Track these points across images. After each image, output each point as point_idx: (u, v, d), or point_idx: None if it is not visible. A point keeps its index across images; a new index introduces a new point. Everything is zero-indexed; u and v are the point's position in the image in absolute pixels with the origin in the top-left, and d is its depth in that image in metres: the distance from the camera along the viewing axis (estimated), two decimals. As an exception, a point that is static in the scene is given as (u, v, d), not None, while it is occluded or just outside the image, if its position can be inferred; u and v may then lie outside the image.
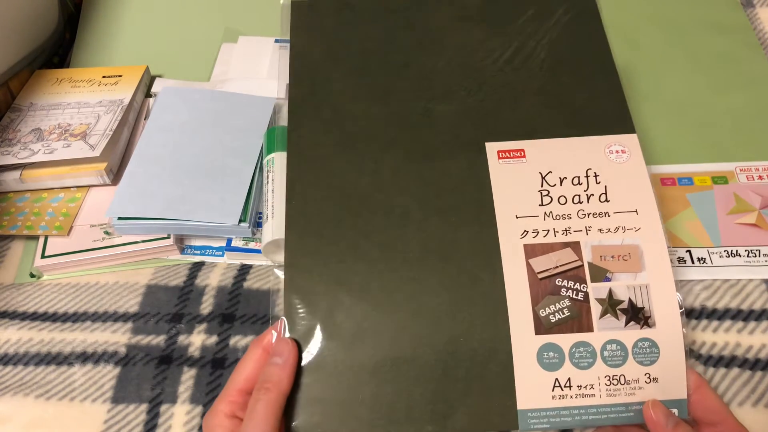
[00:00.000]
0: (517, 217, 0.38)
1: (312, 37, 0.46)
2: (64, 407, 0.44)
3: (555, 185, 0.39)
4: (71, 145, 0.54)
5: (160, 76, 0.62)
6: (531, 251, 0.37)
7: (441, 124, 0.41)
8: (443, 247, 0.37)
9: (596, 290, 0.36)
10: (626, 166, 0.39)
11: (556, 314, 0.35)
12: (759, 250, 0.48)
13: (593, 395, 0.34)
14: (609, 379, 0.35)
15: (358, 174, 0.40)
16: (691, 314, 0.45)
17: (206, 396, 0.44)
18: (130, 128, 0.57)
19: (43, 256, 0.50)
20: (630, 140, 0.40)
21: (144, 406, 0.44)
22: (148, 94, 0.61)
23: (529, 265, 0.36)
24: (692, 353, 0.43)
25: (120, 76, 0.60)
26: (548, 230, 0.37)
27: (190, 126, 0.55)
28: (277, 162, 0.51)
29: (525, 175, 0.39)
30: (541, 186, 0.39)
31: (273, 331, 0.37)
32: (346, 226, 0.38)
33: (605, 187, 0.39)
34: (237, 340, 0.46)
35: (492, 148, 0.40)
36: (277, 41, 0.65)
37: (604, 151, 0.40)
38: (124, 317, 0.48)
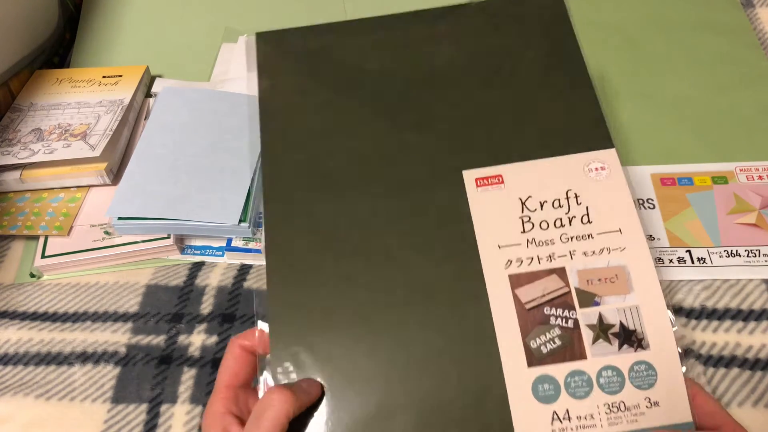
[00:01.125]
0: (499, 247, 0.36)
1: (280, 72, 0.44)
2: (64, 407, 0.44)
3: (536, 210, 0.37)
4: (71, 145, 0.54)
5: (160, 76, 0.63)
6: (516, 281, 0.35)
7: (417, 154, 0.40)
8: (427, 285, 0.36)
9: (586, 316, 0.35)
10: (607, 183, 0.38)
11: (548, 344, 0.34)
12: (759, 250, 0.48)
13: (594, 426, 0.33)
14: (608, 407, 0.33)
15: (335, 215, 0.38)
16: (691, 314, 0.45)
17: (206, 396, 0.44)
18: (130, 128, 0.57)
19: (43, 256, 0.50)
20: (609, 156, 0.39)
21: (144, 406, 0.44)
22: (148, 94, 0.61)
23: (515, 296, 0.35)
24: (692, 353, 0.43)
25: (120, 76, 0.60)
26: (532, 258, 0.36)
27: (190, 126, 0.55)
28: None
29: (504, 202, 0.38)
30: (522, 212, 0.37)
31: (258, 330, 0.37)
32: (328, 273, 0.37)
33: (587, 207, 0.37)
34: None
35: (469, 176, 0.38)
36: (277, 41, 0.65)
37: (583, 169, 0.38)
38: (124, 317, 0.48)
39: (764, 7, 0.65)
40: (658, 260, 0.48)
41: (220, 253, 0.51)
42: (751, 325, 0.45)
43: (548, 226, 0.37)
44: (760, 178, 0.52)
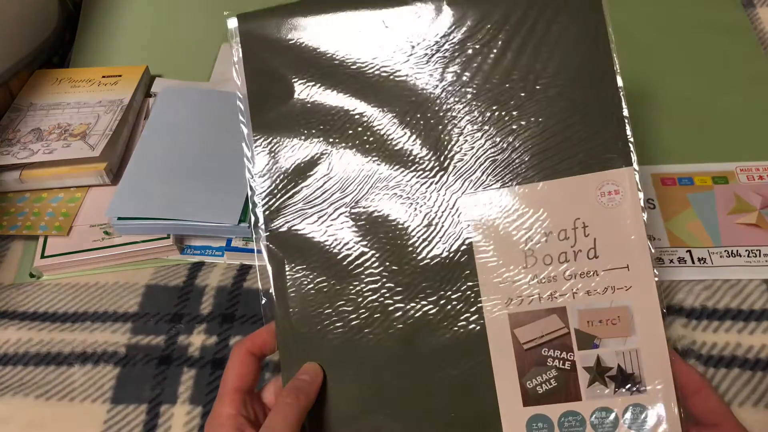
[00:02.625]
0: (500, 285, 0.34)
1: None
2: (64, 407, 0.44)
3: (539, 243, 0.34)
4: (71, 145, 0.54)
5: (160, 76, 0.62)
6: (515, 321, 0.34)
7: (415, 182, 0.37)
8: (426, 324, 0.35)
9: (584, 358, 0.34)
10: (619, 210, 0.34)
11: (543, 385, 0.34)
12: (759, 250, 0.48)
13: None
14: None
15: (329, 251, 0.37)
16: (691, 314, 0.45)
17: (206, 396, 0.44)
18: (130, 128, 0.57)
19: (42, 256, 0.50)
20: (625, 177, 0.34)
21: (144, 407, 0.44)
22: (148, 94, 0.61)
23: (514, 336, 0.34)
24: (692, 353, 0.43)
25: (120, 76, 0.60)
26: (533, 297, 0.34)
27: (190, 126, 0.55)
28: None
29: (507, 232, 0.34)
30: (525, 245, 0.34)
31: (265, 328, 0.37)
32: (332, 315, 0.36)
33: (594, 240, 0.34)
34: (237, 340, 0.46)
35: (468, 202, 0.35)
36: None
37: (594, 194, 0.34)
38: (124, 317, 0.48)
39: (764, 7, 0.65)
40: (659, 260, 0.48)
41: (220, 253, 0.51)
42: (751, 325, 0.45)
43: (552, 261, 0.34)
44: (761, 178, 0.52)
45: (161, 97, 0.58)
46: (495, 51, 0.36)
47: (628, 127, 0.35)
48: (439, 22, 0.37)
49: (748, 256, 0.48)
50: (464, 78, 0.36)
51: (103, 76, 0.60)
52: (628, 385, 0.33)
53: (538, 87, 0.35)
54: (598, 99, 0.35)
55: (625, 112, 0.35)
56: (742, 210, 0.50)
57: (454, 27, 0.36)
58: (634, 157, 0.35)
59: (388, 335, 0.36)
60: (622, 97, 0.35)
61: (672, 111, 0.58)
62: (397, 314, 0.36)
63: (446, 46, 0.36)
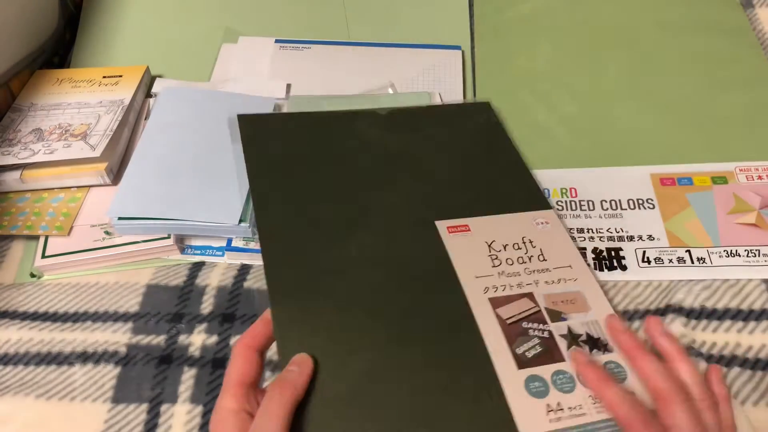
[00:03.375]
0: (476, 277, 0.43)
1: (264, 143, 0.51)
2: (64, 407, 0.44)
3: (500, 250, 0.45)
4: (72, 146, 0.54)
5: (160, 76, 0.63)
6: (496, 303, 0.42)
7: (393, 209, 0.47)
8: (420, 308, 0.41)
9: (557, 328, 0.41)
10: (552, 232, 0.47)
11: (531, 350, 0.40)
12: (758, 250, 0.48)
13: (584, 414, 0.37)
14: (593, 399, 0.38)
15: (328, 251, 0.43)
16: (690, 314, 0.45)
17: (206, 396, 0.44)
18: (131, 128, 0.57)
19: (43, 256, 0.50)
20: (549, 215, 0.48)
21: (144, 406, 0.44)
22: (148, 95, 0.61)
23: (497, 314, 0.41)
24: (693, 351, 0.43)
25: (120, 76, 0.60)
26: (504, 285, 0.43)
27: (190, 126, 0.55)
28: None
29: (474, 244, 0.45)
30: (490, 252, 0.45)
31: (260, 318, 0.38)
32: (330, 300, 0.41)
33: (540, 249, 0.45)
34: (237, 340, 0.46)
35: (442, 225, 0.46)
36: (277, 41, 0.65)
37: (532, 223, 0.47)
38: (124, 317, 0.48)
39: (764, 7, 0.65)
40: (658, 260, 0.48)
41: (221, 253, 0.51)
42: (751, 325, 0.45)
43: (513, 262, 0.44)
44: (760, 178, 0.52)
45: (162, 98, 0.58)
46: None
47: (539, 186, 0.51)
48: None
49: (747, 256, 0.48)
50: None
51: (104, 77, 0.61)
52: (599, 347, 0.40)
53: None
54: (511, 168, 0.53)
55: (536, 180, 0.52)
56: (742, 210, 0.50)
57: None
58: (552, 203, 0.51)
59: (385, 314, 0.41)
60: (531, 174, 0.52)
61: (672, 111, 0.58)
62: (391, 300, 0.41)
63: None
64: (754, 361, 0.43)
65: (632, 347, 0.38)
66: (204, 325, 0.47)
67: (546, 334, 0.40)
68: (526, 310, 0.42)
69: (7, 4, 0.58)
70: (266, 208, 0.45)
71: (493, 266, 0.44)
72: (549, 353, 0.39)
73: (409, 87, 0.62)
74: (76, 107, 0.58)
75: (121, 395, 0.44)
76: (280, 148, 0.50)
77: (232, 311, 0.48)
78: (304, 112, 0.55)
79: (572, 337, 0.40)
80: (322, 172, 0.49)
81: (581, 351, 0.40)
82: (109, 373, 0.45)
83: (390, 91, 0.60)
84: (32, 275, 0.51)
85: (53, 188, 0.54)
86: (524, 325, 0.41)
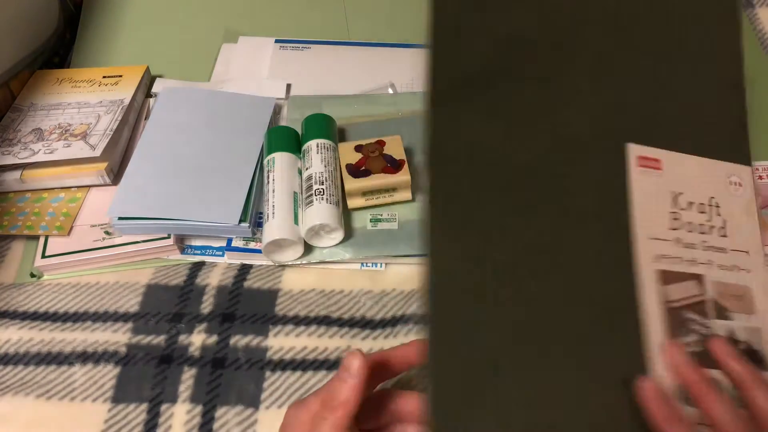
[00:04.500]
0: (650, 239, 0.35)
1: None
2: (64, 407, 0.44)
3: (685, 209, 0.36)
4: (71, 145, 0.54)
5: (160, 76, 0.63)
6: (662, 278, 0.34)
7: (584, 114, 0.37)
8: (576, 264, 0.33)
9: (720, 327, 0.35)
10: (742, 201, 0.38)
11: (688, 347, 0.34)
12: (759, 250, 0.48)
13: None
14: None
15: (513, 150, 0.34)
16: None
17: (206, 395, 0.44)
18: (131, 128, 0.57)
19: (43, 256, 0.50)
20: (746, 173, 0.39)
21: (144, 406, 0.44)
22: (148, 94, 0.61)
23: (663, 293, 0.34)
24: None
25: (120, 76, 0.60)
26: (678, 257, 0.35)
27: (190, 126, 0.55)
28: (278, 162, 0.51)
29: (660, 191, 0.36)
30: (673, 207, 0.36)
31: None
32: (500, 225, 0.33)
33: (725, 221, 0.37)
34: (237, 340, 0.46)
35: (634, 151, 0.36)
36: (277, 41, 0.65)
37: (725, 180, 0.38)
38: (124, 317, 0.48)
39: (764, 7, 0.65)
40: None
41: (221, 253, 0.51)
42: (751, 325, 0.44)
43: (693, 230, 0.36)
44: (760, 178, 0.52)
45: (162, 98, 0.58)
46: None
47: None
48: None
49: (747, 256, 0.47)
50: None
51: (104, 77, 0.61)
52: (756, 361, 0.34)
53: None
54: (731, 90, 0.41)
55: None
56: (742, 210, 0.50)
57: None
58: (750, 159, 0.40)
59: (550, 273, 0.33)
60: (746, 111, 0.41)
61: (672, 111, 0.58)
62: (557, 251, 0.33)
63: None
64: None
65: (746, 377, 0.32)
66: (204, 325, 0.47)
67: (706, 331, 0.34)
68: (693, 296, 0.34)
69: (7, 4, 0.58)
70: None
71: (672, 228, 0.35)
72: (705, 357, 0.33)
73: (409, 87, 0.62)
74: (76, 107, 0.58)
75: (121, 395, 0.44)
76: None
77: (232, 311, 0.48)
78: None
79: (732, 344, 0.33)
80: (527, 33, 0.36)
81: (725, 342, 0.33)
82: (109, 373, 0.45)
83: (390, 91, 0.60)
84: (32, 275, 0.51)
85: (53, 188, 0.54)
86: (685, 314, 0.34)
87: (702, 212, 0.37)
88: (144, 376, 0.45)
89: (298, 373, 0.44)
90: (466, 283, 0.31)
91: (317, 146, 0.51)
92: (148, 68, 0.62)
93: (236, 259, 0.51)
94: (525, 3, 0.37)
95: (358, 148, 0.51)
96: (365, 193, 0.50)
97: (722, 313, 0.35)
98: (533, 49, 0.36)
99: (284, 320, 0.47)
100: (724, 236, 0.37)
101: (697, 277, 0.35)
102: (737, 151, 0.39)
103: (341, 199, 0.50)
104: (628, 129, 0.36)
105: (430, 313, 0.30)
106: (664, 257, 0.34)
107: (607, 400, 0.32)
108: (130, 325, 0.47)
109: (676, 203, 0.36)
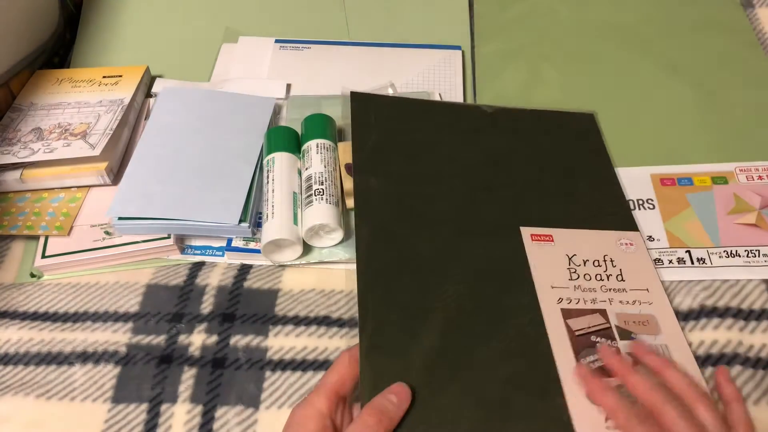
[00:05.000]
0: (552, 287, 0.45)
1: (369, 127, 0.53)
2: (64, 407, 0.44)
3: (580, 265, 0.46)
4: (71, 145, 0.54)
5: (160, 76, 0.63)
6: (567, 314, 0.43)
7: (483, 209, 0.49)
8: (494, 307, 0.43)
9: (625, 346, 0.42)
10: (634, 255, 0.47)
11: (596, 362, 0.41)
12: (758, 251, 0.48)
13: None
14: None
15: (418, 242, 0.46)
16: (689, 315, 0.45)
17: (206, 395, 0.44)
18: (131, 128, 0.57)
19: (43, 256, 0.50)
20: (635, 236, 0.49)
21: (144, 406, 0.44)
22: (148, 94, 0.61)
23: (567, 325, 0.43)
24: (693, 351, 0.43)
25: (120, 76, 0.60)
26: (578, 299, 0.44)
27: (190, 126, 0.55)
28: (277, 162, 0.51)
29: (555, 255, 0.46)
30: (569, 265, 0.46)
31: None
32: (413, 290, 0.44)
33: (620, 270, 0.46)
34: (237, 340, 0.46)
35: (526, 231, 0.48)
36: (277, 41, 0.65)
37: (616, 243, 0.48)
38: (124, 317, 0.48)
39: (764, 7, 0.65)
40: (658, 261, 0.48)
41: (221, 253, 0.51)
42: (751, 325, 0.45)
43: (590, 278, 0.45)
44: (760, 178, 0.52)
45: (162, 97, 0.58)
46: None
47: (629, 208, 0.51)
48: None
49: (747, 257, 0.48)
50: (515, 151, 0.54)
51: (104, 77, 0.61)
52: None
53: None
54: (605, 182, 0.53)
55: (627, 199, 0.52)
56: (742, 210, 0.50)
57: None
58: (639, 226, 0.50)
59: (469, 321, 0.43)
60: (623, 193, 0.52)
61: (672, 111, 0.58)
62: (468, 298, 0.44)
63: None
64: (755, 360, 0.43)
65: (620, 368, 0.39)
66: (204, 325, 0.47)
67: (612, 350, 0.41)
68: (597, 325, 0.43)
69: (8, 4, 0.58)
70: (367, 190, 0.48)
71: (570, 279, 0.45)
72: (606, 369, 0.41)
73: (409, 87, 0.62)
74: (75, 107, 0.58)
75: (121, 395, 0.44)
76: (384, 133, 0.53)
77: (232, 311, 0.48)
78: (412, 99, 0.57)
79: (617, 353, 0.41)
80: (424, 161, 0.51)
81: (610, 345, 0.42)
82: (109, 373, 0.45)
83: (390, 91, 0.60)
84: (32, 275, 0.51)
85: (53, 188, 0.54)
86: (592, 338, 0.42)
87: (598, 266, 0.46)
88: (144, 376, 0.45)
89: (298, 373, 0.44)
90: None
91: (317, 146, 0.51)
92: (148, 68, 0.62)
93: (236, 259, 0.51)
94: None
95: (357, 149, 0.52)
96: (365, 194, 0.51)
97: (627, 336, 0.43)
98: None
99: (284, 320, 0.47)
100: (622, 280, 0.46)
101: (601, 311, 0.44)
102: (625, 222, 0.50)
103: (341, 199, 0.50)
104: (523, 219, 0.48)
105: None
106: (565, 299, 0.44)
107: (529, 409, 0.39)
108: (130, 325, 0.47)
109: (571, 262, 0.46)
